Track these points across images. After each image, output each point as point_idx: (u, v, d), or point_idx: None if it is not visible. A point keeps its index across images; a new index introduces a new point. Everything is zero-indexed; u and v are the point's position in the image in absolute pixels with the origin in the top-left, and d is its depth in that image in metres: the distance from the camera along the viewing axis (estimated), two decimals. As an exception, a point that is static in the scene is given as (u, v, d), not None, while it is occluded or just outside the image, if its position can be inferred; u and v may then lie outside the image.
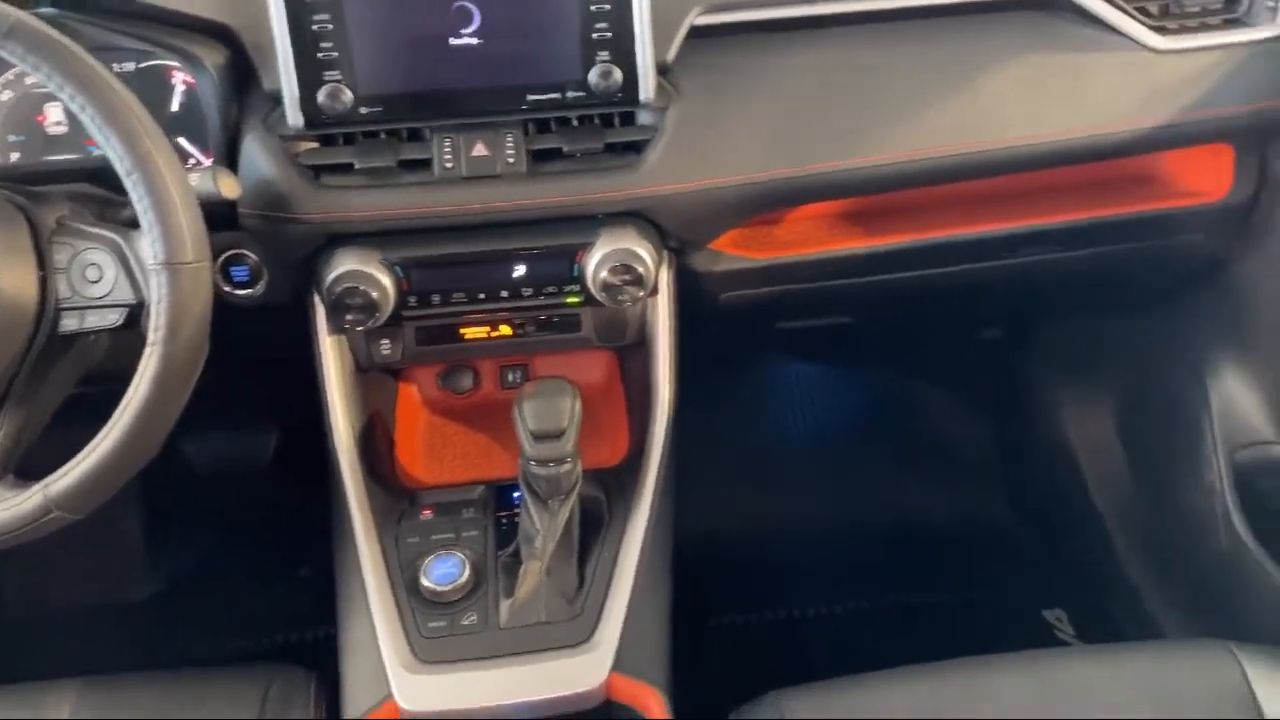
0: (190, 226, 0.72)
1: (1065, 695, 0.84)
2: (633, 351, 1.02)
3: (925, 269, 1.08)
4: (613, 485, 0.93)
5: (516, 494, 0.87)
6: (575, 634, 0.83)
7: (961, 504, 1.58)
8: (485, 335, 0.96)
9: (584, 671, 0.81)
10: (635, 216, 0.91)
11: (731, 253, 1.02)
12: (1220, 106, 0.96)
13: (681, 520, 1.08)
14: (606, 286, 0.89)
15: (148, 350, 0.70)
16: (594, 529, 0.89)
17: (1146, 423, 1.37)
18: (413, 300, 0.90)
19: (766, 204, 0.96)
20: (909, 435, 1.64)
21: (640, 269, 0.88)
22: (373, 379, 1.00)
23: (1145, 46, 0.96)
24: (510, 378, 1.06)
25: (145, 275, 0.73)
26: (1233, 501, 1.17)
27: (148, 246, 0.71)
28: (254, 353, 0.96)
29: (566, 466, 0.82)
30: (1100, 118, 0.95)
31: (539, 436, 0.81)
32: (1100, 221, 1.05)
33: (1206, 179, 1.06)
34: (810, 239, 1.05)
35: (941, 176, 0.96)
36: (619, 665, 0.81)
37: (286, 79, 0.84)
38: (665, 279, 0.95)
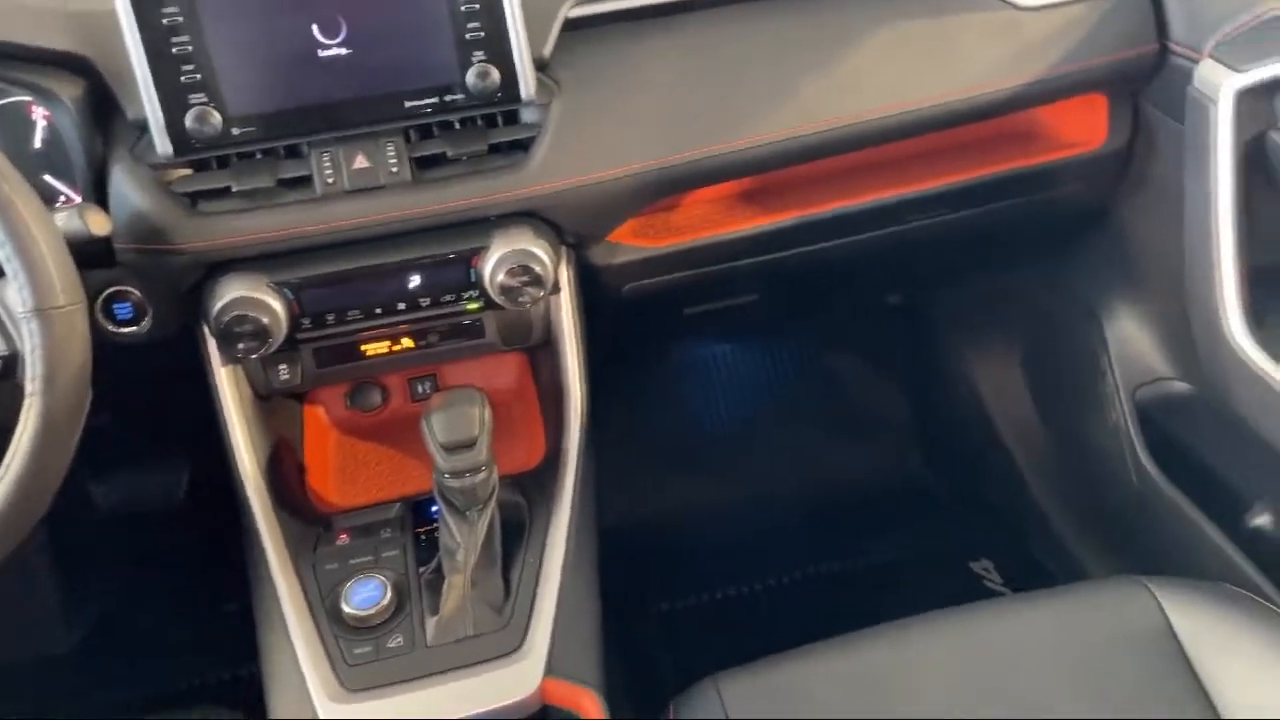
0: (58, 269, 0.69)
1: (991, 647, 0.86)
2: (541, 351, 1.01)
3: (821, 242, 1.09)
4: (532, 489, 0.92)
5: (434, 508, 0.86)
6: (505, 644, 0.82)
7: (882, 467, 1.61)
8: (387, 350, 0.94)
9: (517, 680, 0.80)
10: (529, 216, 0.90)
11: (630, 243, 1.01)
12: (1087, 59, 0.98)
13: (609, 512, 1.08)
14: (505, 289, 0.88)
15: (26, 402, 0.67)
16: (516, 535, 0.88)
17: (1050, 370, 1.41)
18: (306, 322, 0.88)
19: (658, 192, 0.95)
20: (825, 405, 1.67)
21: (538, 268, 0.87)
22: (275, 405, 0.97)
23: (1011, 4, 0.97)
24: (419, 389, 1.04)
25: (15, 324, 0.69)
26: (1138, 439, 1.20)
27: (15, 294, 0.68)
28: (151, 390, 0.93)
29: (482, 476, 0.81)
30: (973, 79, 0.97)
31: (450, 448, 0.80)
32: (985, 180, 1.07)
33: (1083, 130, 1.09)
34: (707, 222, 1.05)
35: (825, 150, 0.97)
36: (552, 670, 0.81)
37: (150, 106, 0.81)
38: (566, 276, 0.94)
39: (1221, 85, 0.92)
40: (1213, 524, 1.11)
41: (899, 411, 1.67)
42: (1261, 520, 1.09)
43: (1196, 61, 0.96)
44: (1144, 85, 1.05)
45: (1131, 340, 1.22)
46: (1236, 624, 0.86)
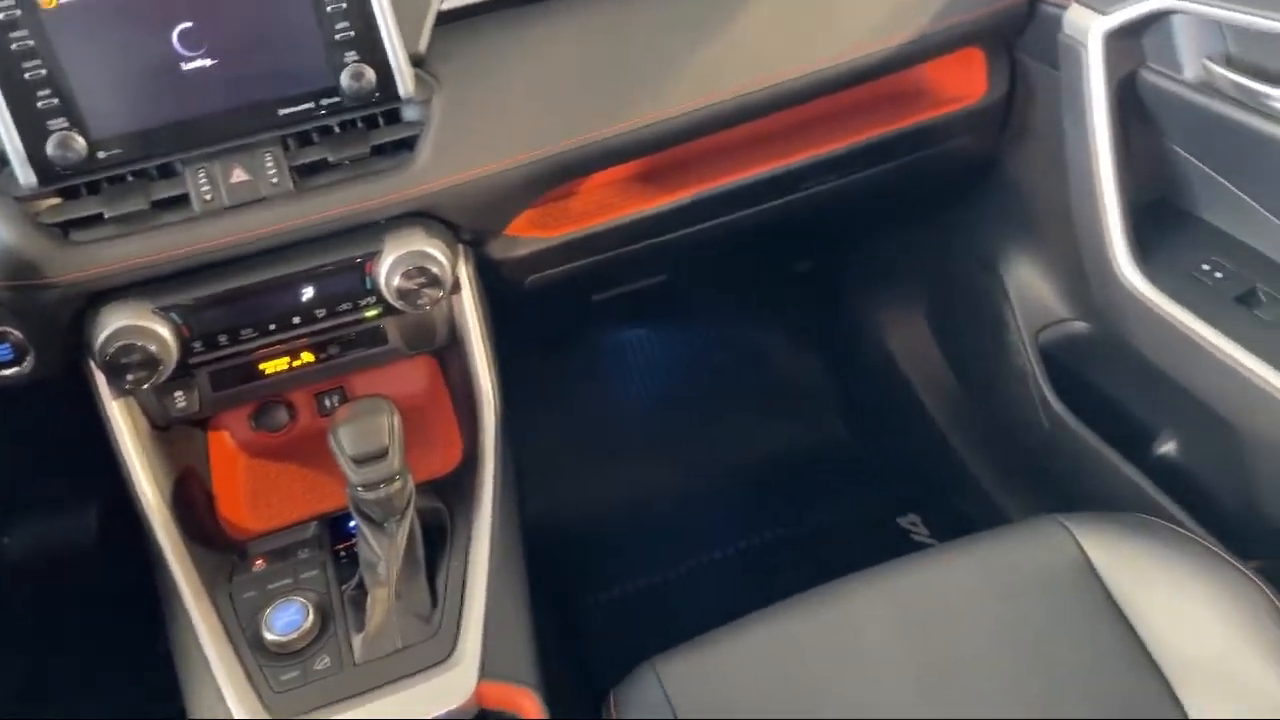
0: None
1: (919, 599, 0.87)
2: (449, 352, 1.00)
3: (722, 216, 1.09)
4: (451, 493, 0.91)
5: (351, 523, 0.84)
6: (436, 652, 0.80)
7: (806, 434, 1.63)
8: (287, 366, 0.92)
9: (451, 688, 0.79)
10: (420, 216, 0.88)
11: (529, 235, 1.00)
12: (960, 14, 1.00)
13: (539, 506, 1.06)
14: (403, 293, 0.86)
15: None
16: (438, 541, 0.87)
17: (957, 321, 1.44)
18: (198, 346, 0.85)
19: (552, 180, 0.94)
20: (745, 378, 1.68)
21: (435, 269, 0.86)
22: (176, 434, 0.94)
23: (882, -34, 0.99)
24: (327, 403, 1.01)
25: None
26: (1044, 381, 1.23)
27: None
28: (46, 430, 0.89)
29: (396, 485, 0.79)
30: (853, 42, 0.98)
31: (361, 460, 0.78)
32: (874, 142, 1.09)
33: (964, 84, 1.11)
34: (606, 206, 1.04)
35: (716, 125, 0.97)
36: (486, 673, 0.80)
37: (7, 136, 0.77)
38: (465, 273, 0.93)
39: (1090, 29, 0.94)
40: (1122, 456, 1.14)
41: (817, 378, 1.69)
42: (1167, 448, 1.13)
43: (1064, 8, 0.98)
44: (1017, 35, 1.07)
45: (1029, 286, 1.24)
46: (1150, 552, 0.88)
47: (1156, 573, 0.87)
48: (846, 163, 1.09)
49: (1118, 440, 1.15)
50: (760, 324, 1.70)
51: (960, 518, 1.42)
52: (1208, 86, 0.90)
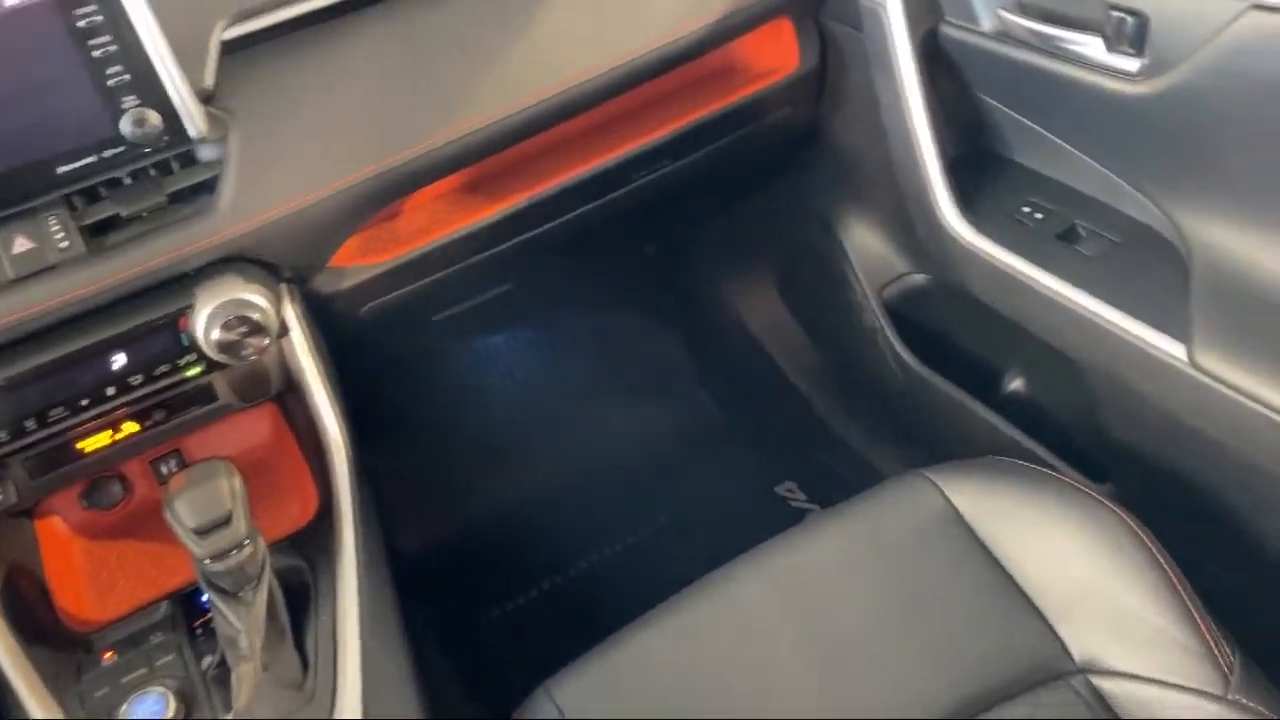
0: None
1: (801, 577, 0.88)
2: (291, 397, 0.94)
3: (556, 219, 1.07)
4: (310, 545, 0.86)
5: (205, 597, 0.78)
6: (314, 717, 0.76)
7: (676, 415, 1.63)
8: (110, 441, 0.85)
9: (335, 752, 0.75)
10: (233, 261, 0.83)
11: (357, 263, 0.95)
12: None
13: (418, 531, 1.02)
14: (224, 346, 0.80)
15: None
16: (302, 601, 0.82)
17: (805, 286, 1.45)
18: (2, 435, 0.78)
19: (372, 204, 0.90)
20: (608, 368, 1.66)
21: (256, 316, 0.80)
22: None
23: (680, -52, 0.98)
24: (164, 470, 0.94)
25: None
26: (893, 336, 1.26)
27: None
28: None
29: (247, 551, 0.74)
30: (661, 28, 0.96)
31: (203, 531, 0.73)
32: (697, 124, 1.08)
33: (777, 56, 1.11)
34: (436, 223, 1.01)
35: (535, 126, 0.94)
36: None
37: None
38: (292, 314, 0.88)
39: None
40: (976, 400, 1.17)
41: (680, 358, 1.69)
42: (1015, 386, 1.17)
43: (861, -28, 0.99)
44: (821, 3, 1.08)
45: (867, 244, 1.27)
46: (1011, 493, 0.91)
47: (1020, 513, 0.89)
48: (673, 149, 1.08)
49: (970, 385, 1.19)
50: (617, 312, 1.69)
51: (832, 477, 1.45)
52: (1005, 35, 0.93)
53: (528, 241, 1.05)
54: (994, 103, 1.00)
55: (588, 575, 1.45)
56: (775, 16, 1.06)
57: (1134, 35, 0.80)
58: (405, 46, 0.90)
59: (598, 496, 1.53)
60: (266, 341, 0.82)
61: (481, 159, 0.95)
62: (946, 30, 0.97)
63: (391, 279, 0.97)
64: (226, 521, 0.73)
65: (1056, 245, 0.93)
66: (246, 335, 0.81)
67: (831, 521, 0.93)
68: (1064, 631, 0.83)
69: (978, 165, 1.04)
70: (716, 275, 1.59)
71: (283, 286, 0.87)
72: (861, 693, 0.81)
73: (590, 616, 1.34)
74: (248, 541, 0.74)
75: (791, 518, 1.44)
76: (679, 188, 1.18)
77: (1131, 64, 0.81)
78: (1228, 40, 0.72)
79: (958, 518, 0.90)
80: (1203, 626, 0.79)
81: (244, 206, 0.81)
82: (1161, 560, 0.83)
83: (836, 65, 1.12)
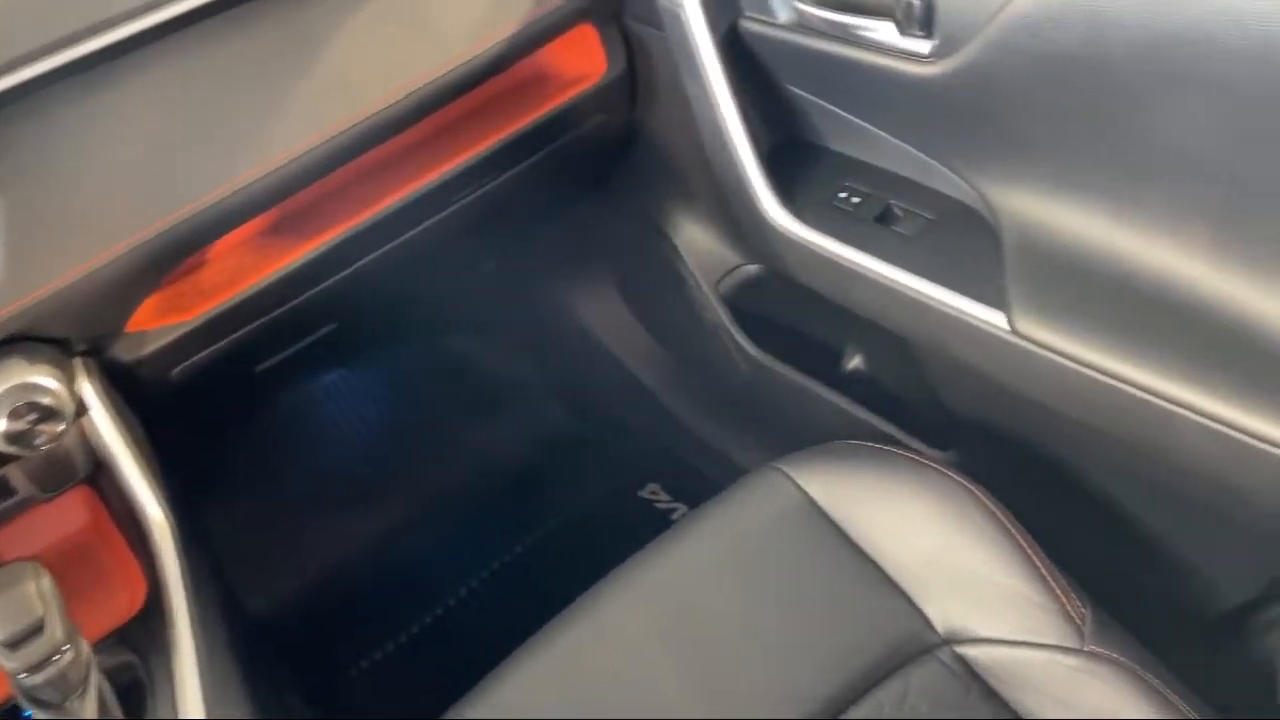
0: None
1: (669, 590, 0.87)
2: (103, 477, 0.87)
3: (375, 251, 1.02)
4: (141, 637, 0.80)
5: (27, 712, 0.71)
6: None
7: (531, 430, 1.60)
8: (-106, 555, 0.77)
9: None
10: (14, 342, 0.75)
11: (160, 325, 0.89)
12: None
13: (271, 590, 0.96)
14: (14, 436, 0.73)
15: None
16: (136, 700, 0.76)
17: (644, 289, 1.45)
18: None
19: (165, 262, 0.84)
20: (455, 391, 1.62)
21: (46, 400, 0.73)
22: None
23: (466, -39, 0.94)
24: (-32, 576, 0.86)
25: None
26: (734, 329, 1.27)
27: None
28: None
29: (67, 655, 0.68)
30: (459, 44, 0.93)
31: (14, 643, 0.66)
32: (515, 137, 1.05)
33: (586, 62, 1.09)
34: (245, 270, 0.95)
35: (338, 159, 0.89)
36: None
37: None
38: (90, 390, 0.81)
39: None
40: (821, 384, 1.19)
41: (529, 372, 1.66)
42: (854, 365, 1.19)
43: (654, -27, 0.98)
44: (621, 6, 1.06)
45: (698, 241, 1.27)
46: (861, 475, 0.92)
47: (871, 494, 0.91)
48: (488, 167, 1.05)
49: (813, 369, 1.20)
50: (458, 333, 1.64)
51: (696, 475, 1.45)
52: (803, 26, 0.93)
53: (348, 278, 1.00)
54: (801, 92, 1.00)
55: (458, 610, 1.41)
56: (577, 23, 1.04)
57: (923, 17, 0.82)
58: (185, 93, 0.84)
59: (459, 526, 1.49)
60: (62, 426, 0.75)
61: (283, 199, 0.90)
62: (746, 25, 0.97)
63: (202, 336, 0.90)
64: (39, 629, 0.66)
65: (875, 227, 0.95)
66: (38, 422, 0.74)
67: (693, 528, 0.92)
68: (926, 606, 0.84)
69: (793, 155, 1.05)
70: (556, 285, 1.57)
71: (76, 361, 0.80)
72: (739, 701, 0.80)
73: (464, 654, 1.30)
74: (67, 646, 0.68)
75: (659, 520, 1.45)
76: (504, 203, 1.15)
77: (923, 46, 0.83)
78: (1010, 16, 0.74)
79: (814, 507, 0.90)
80: (1053, 583, 0.82)
81: (18, 282, 0.74)
82: (1007, 523, 0.85)
83: (645, 67, 1.10)
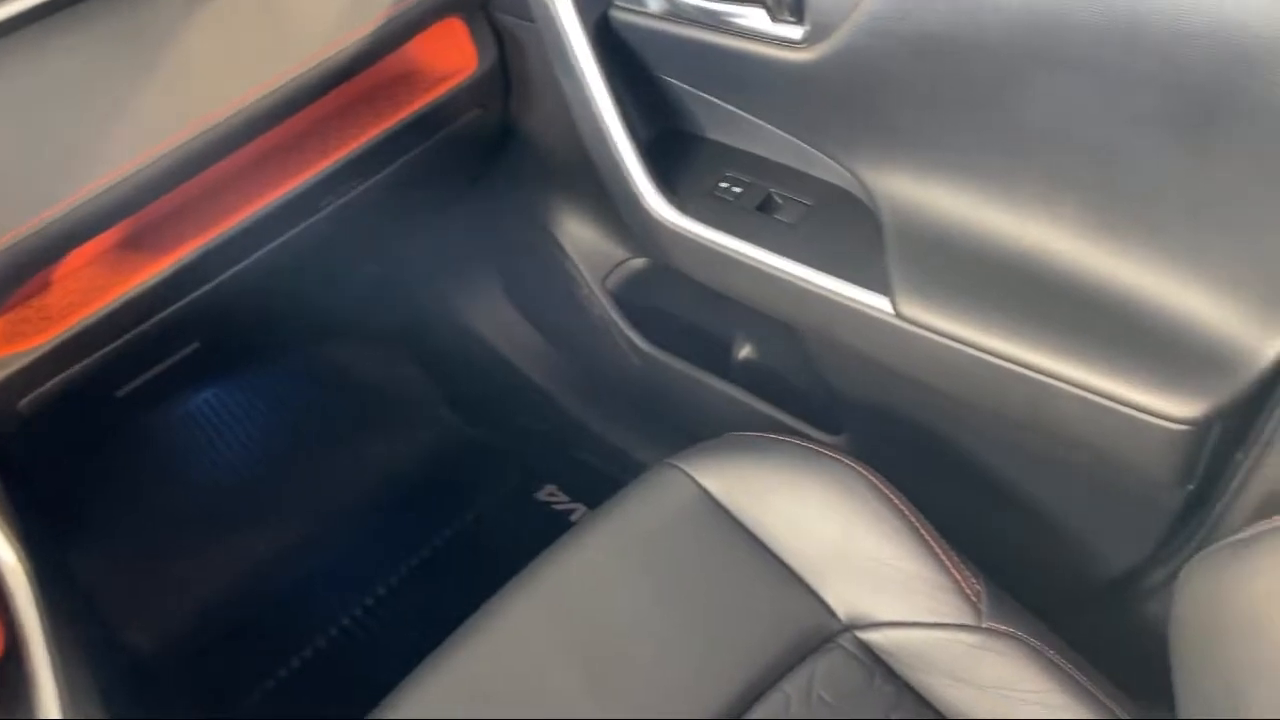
0: None
1: (571, 598, 0.85)
2: None
3: (242, 260, 0.97)
4: (2, 688, 0.74)
5: None
6: None
7: (422, 436, 1.55)
8: None
9: None
10: None
11: (4, 353, 0.82)
12: None
13: (161, 623, 0.90)
14: None
15: None
16: None
17: (530, 288, 1.42)
18: None
19: (7, 283, 0.77)
20: (340, 401, 1.56)
21: None
22: None
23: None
24: None
25: None
26: (624, 324, 1.25)
27: None
28: None
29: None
30: (320, 41, 0.89)
31: None
32: (384, 137, 1.01)
33: (455, 56, 1.06)
34: (95, 291, 0.88)
35: (191, 169, 0.84)
36: None
37: None
38: None
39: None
40: (712, 375, 1.18)
41: (416, 378, 1.61)
42: (745, 355, 1.19)
43: (520, -37, 0.95)
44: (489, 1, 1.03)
45: (582, 237, 1.24)
46: (756, 466, 0.91)
47: (767, 484, 0.90)
48: (359, 168, 1.01)
49: (705, 361, 1.20)
50: (340, 344, 1.58)
51: (594, 474, 1.43)
52: (674, 15, 0.92)
53: (211, 292, 0.95)
54: (675, 81, 0.99)
55: (353, 630, 1.36)
56: (443, 16, 1.01)
57: (793, 3, 0.82)
58: (16, 99, 0.78)
59: (349, 542, 1.43)
60: None
61: (133, 212, 0.84)
62: (617, 14, 0.95)
63: (51, 363, 0.84)
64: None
65: (757, 216, 0.94)
66: None
67: (591, 530, 0.90)
68: (826, 594, 0.84)
69: (673, 146, 1.04)
70: (439, 287, 1.52)
71: None
72: (646, 705, 0.79)
73: (361, 675, 1.26)
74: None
75: (557, 522, 1.42)
76: (379, 205, 1.11)
77: (795, 32, 0.82)
78: (877, 7, 0.74)
79: (711, 502, 0.89)
80: (948, 563, 0.82)
81: None
82: (901, 505, 0.86)
83: (518, 60, 1.08)
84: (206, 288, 0.96)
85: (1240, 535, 0.64)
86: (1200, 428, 0.70)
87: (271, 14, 0.87)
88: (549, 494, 1.45)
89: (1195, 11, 0.61)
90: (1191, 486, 0.79)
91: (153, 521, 1.38)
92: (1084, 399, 0.75)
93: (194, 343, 1.05)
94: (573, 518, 1.41)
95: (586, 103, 0.97)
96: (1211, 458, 0.76)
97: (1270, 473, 0.73)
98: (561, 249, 1.26)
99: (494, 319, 1.49)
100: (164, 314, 0.93)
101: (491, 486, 1.47)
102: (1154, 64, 0.63)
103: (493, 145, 1.19)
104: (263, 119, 0.87)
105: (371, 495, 1.48)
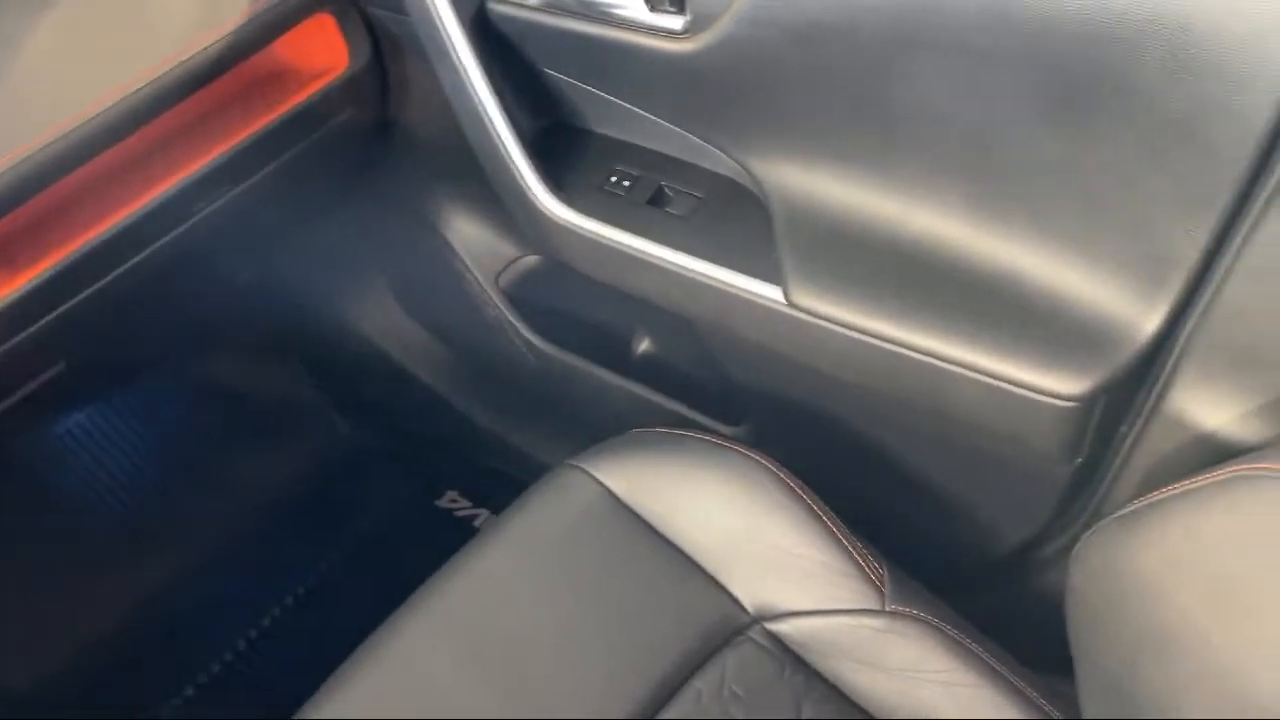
0: None
1: (476, 612, 0.82)
2: None
3: (108, 274, 0.92)
4: None
5: None
6: None
7: (312, 447, 1.50)
8: None
9: None
10: None
11: None
12: None
13: (44, 662, 0.84)
14: None
15: None
16: None
17: (421, 289, 1.38)
18: None
19: None
20: (228, 421, 1.49)
21: None
22: None
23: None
24: None
25: None
26: (519, 322, 1.23)
27: None
28: None
29: None
30: (177, 43, 0.84)
31: None
32: (254, 139, 0.97)
33: (325, 54, 1.02)
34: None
35: (40, 181, 0.79)
36: None
37: None
38: None
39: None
40: (611, 371, 1.17)
41: (306, 389, 1.55)
42: (643, 349, 1.18)
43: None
44: (361, -4, 1.00)
45: (472, 235, 1.22)
46: (657, 462, 0.91)
47: (670, 480, 0.89)
48: (231, 171, 0.96)
49: (603, 357, 1.18)
50: (221, 357, 1.51)
51: (496, 478, 1.40)
52: (555, 6, 0.90)
53: (71, 311, 0.89)
54: (559, 75, 0.97)
55: (249, 654, 1.31)
56: (312, 13, 0.96)
57: None
58: None
59: (243, 561, 1.37)
60: None
61: None
62: (494, 7, 0.93)
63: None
64: None
65: (648, 210, 0.93)
66: None
67: (492, 538, 0.88)
68: (734, 587, 0.84)
69: (560, 140, 1.02)
70: (327, 292, 1.47)
71: None
72: (557, 713, 0.77)
73: (258, 702, 1.21)
74: None
75: (461, 529, 1.39)
76: (255, 209, 1.06)
77: (676, 22, 0.81)
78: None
79: (615, 501, 0.88)
80: (851, 549, 0.83)
81: None
82: (802, 494, 0.86)
83: (394, 56, 1.04)
84: (65, 307, 0.90)
85: (1129, 509, 0.66)
86: (1085, 404, 0.72)
87: (127, 13, 0.82)
88: (450, 501, 1.42)
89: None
90: (1080, 460, 0.81)
91: (29, 557, 1.29)
92: (973, 380, 0.76)
93: (58, 364, 0.99)
94: (476, 524, 1.39)
95: (467, 98, 0.94)
96: (1097, 432, 0.78)
97: (1154, 445, 0.76)
98: (451, 248, 1.23)
99: (384, 322, 1.44)
100: (19, 338, 0.87)
101: (389, 496, 1.43)
102: (1025, 45, 0.64)
103: (373, 145, 1.15)
104: (122, 124, 0.82)
105: (263, 512, 1.42)
